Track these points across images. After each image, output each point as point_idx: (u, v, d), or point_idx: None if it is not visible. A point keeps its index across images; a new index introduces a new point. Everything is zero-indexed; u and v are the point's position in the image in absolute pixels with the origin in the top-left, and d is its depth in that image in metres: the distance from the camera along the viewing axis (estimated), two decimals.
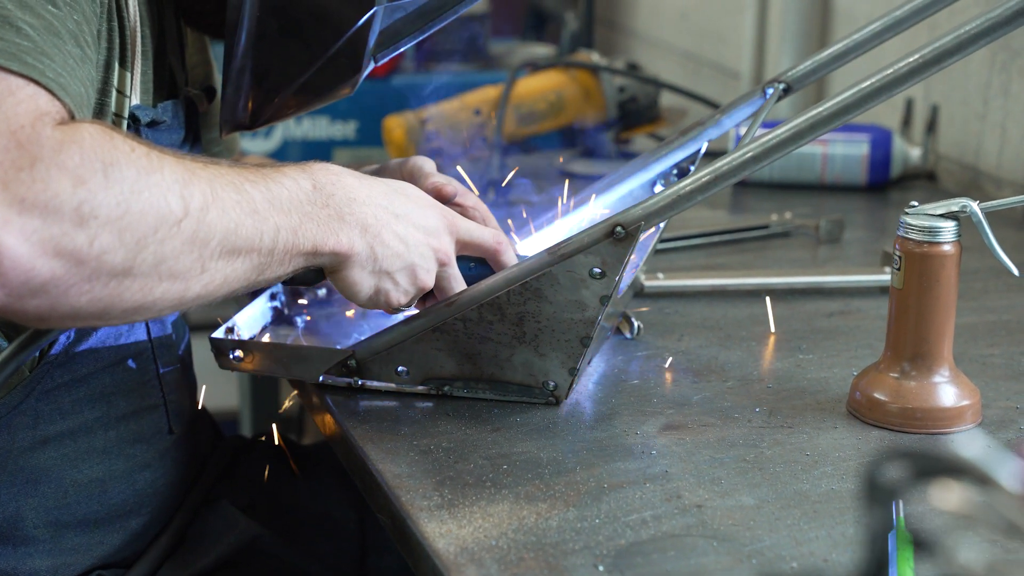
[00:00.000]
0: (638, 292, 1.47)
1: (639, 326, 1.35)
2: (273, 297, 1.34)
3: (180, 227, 0.88)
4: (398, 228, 1.07)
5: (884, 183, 1.94)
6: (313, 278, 1.09)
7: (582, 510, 1.01)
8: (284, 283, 1.09)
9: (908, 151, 1.96)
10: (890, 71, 1.03)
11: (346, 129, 2.38)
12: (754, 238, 1.72)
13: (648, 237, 1.35)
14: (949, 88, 1.97)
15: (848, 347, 1.34)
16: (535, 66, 2.04)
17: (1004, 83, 1.85)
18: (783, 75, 1.32)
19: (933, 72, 1.03)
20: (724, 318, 1.42)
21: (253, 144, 2.35)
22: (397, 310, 1.13)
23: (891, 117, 2.10)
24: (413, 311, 1.16)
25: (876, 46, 1.30)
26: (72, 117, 0.89)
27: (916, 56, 1.02)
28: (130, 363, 1.17)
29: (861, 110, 1.04)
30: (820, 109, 1.05)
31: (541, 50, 2.51)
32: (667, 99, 2.26)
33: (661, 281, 1.48)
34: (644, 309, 1.42)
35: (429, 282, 1.11)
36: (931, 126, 1.99)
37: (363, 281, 1.07)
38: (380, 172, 1.25)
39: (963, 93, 1.94)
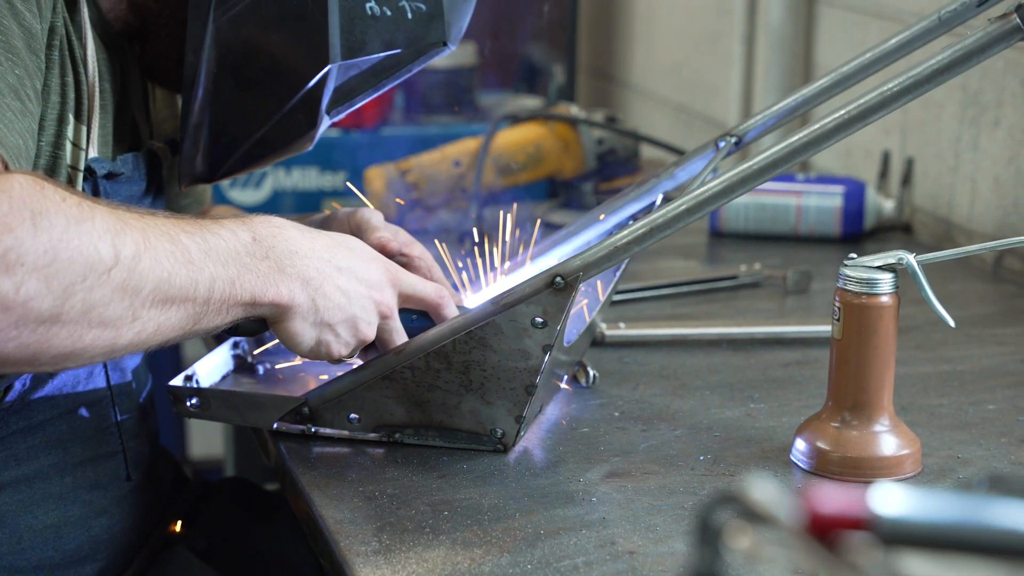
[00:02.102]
0: (598, 341, 1.49)
1: (595, 375, 1.37)
2: (236, 345, 1.37)
3: (110, 275, 0.91)
4: (340, 281, 1.10)
5: (858, 235, 1.97)
6: (255, 328, 1.11)
7: (516, 556, 1.03)
8: (226, 333, 1.11)
9: (881, 203, 1.98)
10: (817, 126, 1.06)
11: (335, 179, 2.42)
12: (723, 288, 1.75)
13: (604, 287, 1.37)
14: (923, 142, 2.00)
15: (800, 396, 1.36)
16: (515, 118, 2.08)
17: (974, 137, 1.87)
18: (734, 129, 1.35)
19: (859, 128, 1.06)
20: (682, 367, 1.44)
21: (243, 195, 2.39)
22: (339, 361, 1.15)
23: (869, 170, 2.12)
24: (356, 362, 1.19)
25: (825, 100, 1.33)
26: (7, 168, 0.93)
27: (842, 112, 1.05)
28: (88, 410, 1.20)
29: (790, 164, 1.07)
30: (750, 164, 1.08)
31: (531, 102, 2.55)
32: (649, 151, 2.30)
33: (622, 331, 1.50)
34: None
35: (370, 334, 1.13)
36: (906, 179, 2.02)
37: (304, 332, 1.10)
38: (328, 221, 1.28)
39: (936, 147, 1.97)
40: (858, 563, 0.41)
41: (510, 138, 2.04)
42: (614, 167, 2.06)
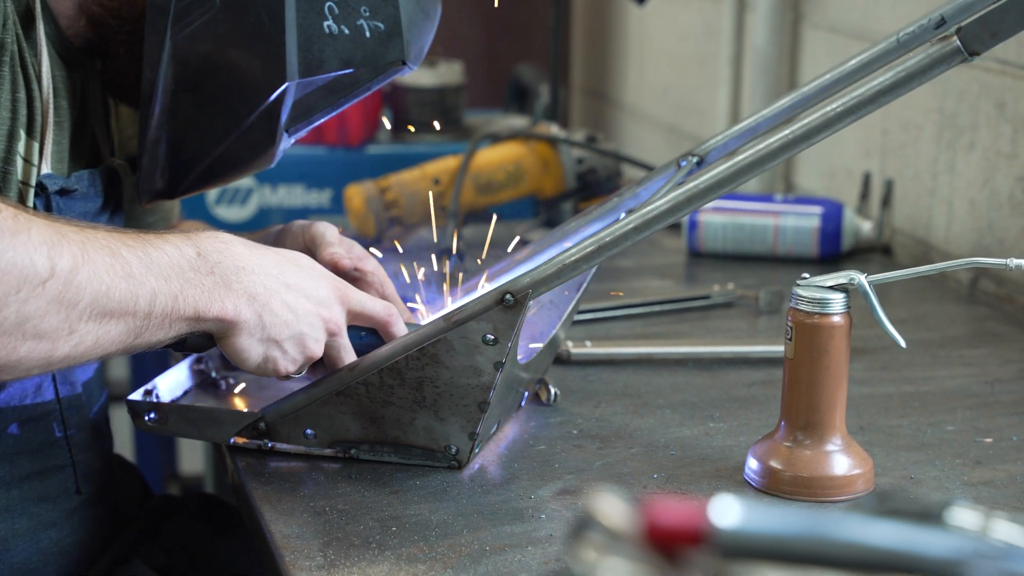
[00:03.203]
0: (564, 360, 1.50)
1: (556, 392, 1.38)
2: (199, 360, 1.37)
3: (45, 287, 0.92)
4: (287, 297, 1.10)
5: (836, 256, 1.97)
6: (204, 344, 1.11)
7: (459, 572, 1.03)
8: (175, 349, 1.12)
9: (859, 224, 1.98)
10: (762, 146, 1.06)
11: (321, 197, 2.43)
12: (696, 308, 1.75)
13: (566, 304, 1.38)
14: (902, 163, 2.00)
15: (761, 416, 1.36)
16: (496, 137, 2.08)
17: (950, 159, 1.87)
18: (696, 149, 1.35)
19: (803, 147, 1.06)
20: (645, 386, 1.44)
21: (229, 211, 2.41)
22: (287, 378, 1.16)
23: (851, 191, 2.12)
24: (305, 379, 1.19)
25: (787, 120, 1.33)
26: None
27: (787, 132, 1.05)
28: (35, 423, 1.20)
29: (737, 183, 1.07)
30: (697, 183, 1.08)
31: (519, 122, 2.56)
32: (633, 171, 2.30)
33: (588, 349, 1.51)
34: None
35: (318, 351, 1.14)
36: (886, 200, 2.02)
37: (251, 348, 1.10)
38: (282, 235, 1.29)
39: (914, 169, 1.97)
40: (693, 573, 0.42)
41: (490, 157, 2.04)
42: (594, 186, 2.07)
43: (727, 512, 0.45)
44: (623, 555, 0.42)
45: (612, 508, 0.43)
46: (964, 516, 0.53)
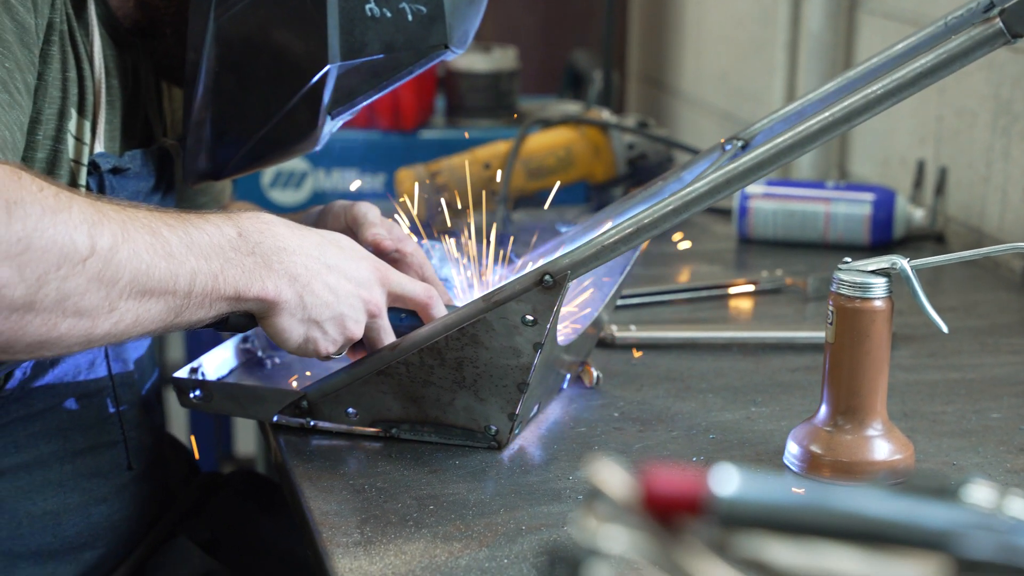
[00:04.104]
0: (608, 343, 1.50)
1: (598, 376, 1.38)
2: (245, 340, 1.39)
3: (85, 265, 0.93)
4: (329, 279, 1.11)
5: (887, 243, 1.95)
6: (246, 324, 1.13)
7: (494, 551, 1.04)
8: (215, 328, 1.13)
9: (911, 212, 1.96)
10: (802, 128, 1.06)
11: (374, 181, 2.45)
12: (743, 293, 1.74)
13: (609, 287, 1.38)
14: (956, 151, 1.98)
15: (803, 401, 1.35)
16: (546, 122, 2.09)
17: (1005, 147, 1.85)
18: (741, 133, 1.35)
19: (845, 129, 1.06)
20: (689, 370, 1.44)
21: (283, 195, 2.43)
22: (327, 359, 1.17)
23: (905, 179, 2.11)
24: (344, 359, 1.20)
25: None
26: None
27: (826, 115, 1.05)
28: (89, 399, 1.22)
29: (777, 165, 1.07)
30: (736, 164, 1.08)
31: (572, 108, 2.56)
32: (685, 157, 2.30)
33: (632, 332, 1.51)
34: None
35: (358, 332, 1.15)
36: (940, 188, 2.00)
37: (292, 329, 1.11)
38: (324, 214, 1.30)
39: (968, 156, 1.95)
40: (692, 542, 0.42)
41: (541, 142, 2.05)
42: (645, 172, 2.06)
43: (726, 481, 0.45)
44: (624, 523, 0.43)
45: (613, 477, 0.44)
46: (979, 492, 0.53)
